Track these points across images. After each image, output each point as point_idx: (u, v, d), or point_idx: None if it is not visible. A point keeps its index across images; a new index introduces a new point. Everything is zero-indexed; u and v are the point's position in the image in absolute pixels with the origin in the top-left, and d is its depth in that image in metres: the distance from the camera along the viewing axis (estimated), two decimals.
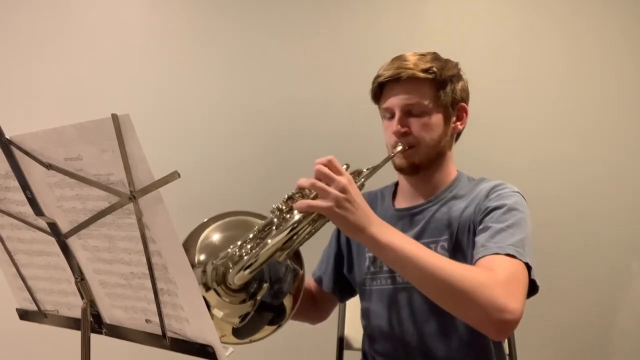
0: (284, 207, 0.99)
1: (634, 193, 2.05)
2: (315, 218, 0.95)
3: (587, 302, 2.05)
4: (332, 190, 0.90)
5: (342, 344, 1.51)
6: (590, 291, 2.05)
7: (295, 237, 0.94)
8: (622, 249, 2.05)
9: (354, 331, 1.49)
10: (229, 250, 0.98)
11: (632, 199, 2.05)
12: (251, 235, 0.99)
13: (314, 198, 0.95)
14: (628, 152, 2.06)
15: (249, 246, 0.97)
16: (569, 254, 2.03)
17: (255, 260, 0.92)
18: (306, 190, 0.96)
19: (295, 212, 0.94)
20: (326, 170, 0.92)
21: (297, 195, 0.98)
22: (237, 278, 0.93)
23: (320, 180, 0.92)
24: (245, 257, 0.94)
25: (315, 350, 1.77)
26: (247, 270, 0.92)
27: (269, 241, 0.93)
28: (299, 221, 0.93)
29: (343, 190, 0.90)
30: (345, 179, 0.91)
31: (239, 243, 0.99)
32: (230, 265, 0.95)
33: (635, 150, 2.06)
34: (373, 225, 0.92)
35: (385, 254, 0.93)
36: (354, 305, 1.47)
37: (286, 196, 1.00)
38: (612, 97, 2.06)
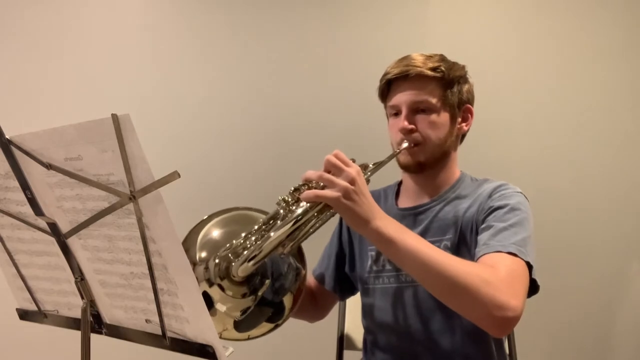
0: (290, 199, 0.98)
1: (634, 192, 2.05)
2: (321, 209, 0.95)
3: (587, 302, 2.05)
4: (340, 181, 0.90)
5: (342, 343, 1.51)
6: (590, 291, 2.05)
7: (300, 229, 0.94)
8: (622, 248, 2.05)
9: (355, 331, 1.49)
10: (233, 242, 0.98)
11: (632, 199, 2.05)
12: (256, 227, 0.99)
13: (322, 189, 0.94)
14: (628, 151, 2.06)
15: (253, 238, 0.97)
16: (569, 253, 2.03)
17: (260, 252, 0.92)
18: (313, 182, 0.96)
19: (302, 203, 0.94)
20: (336, 161, 0.93)
21: (303, 187, 0.97)
22: (241, 270, 0.93)
23: (329, 171, 0.93)
24: (250, 248, 0.93)
25: (315, 350, 1.77)
26: (251, 262, 0.92)
27: (274, 233, 0.92)
28: (305, 212, 0.93)
29: (352, 181, 0.91)
30: (354, 171, 0.92)
31: (243, 235, 0.98)
32: (234, 257, 0.95)
33: (636, 149, 2.06)
34: (378, 218, 0.93)
35: (388, 248, 0.93)
36: (354, 304, 1.47)
37: (292, 188, 0.99)
38: (611, 96, 2.06)
